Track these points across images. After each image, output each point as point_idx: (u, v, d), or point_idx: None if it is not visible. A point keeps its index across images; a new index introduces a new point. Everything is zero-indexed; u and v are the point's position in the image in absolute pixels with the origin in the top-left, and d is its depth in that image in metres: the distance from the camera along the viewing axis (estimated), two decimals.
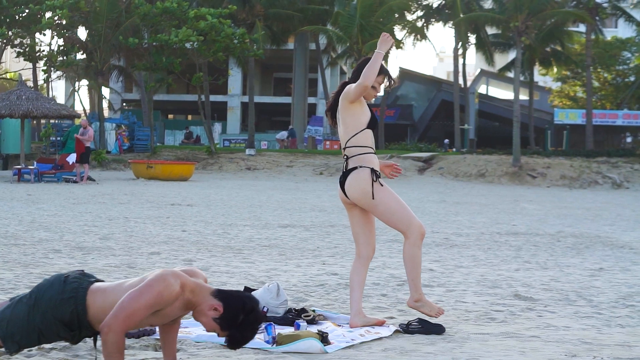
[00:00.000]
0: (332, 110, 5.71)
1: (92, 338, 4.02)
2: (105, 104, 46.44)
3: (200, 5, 37.58)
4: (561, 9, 39.89)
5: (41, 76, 43.76)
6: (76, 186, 22.56)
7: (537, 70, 48.58)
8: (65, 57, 35.99)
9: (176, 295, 3.74)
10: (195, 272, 3.94)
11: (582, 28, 46.32)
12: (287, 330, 5.08)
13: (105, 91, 46.38)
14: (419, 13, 47.71)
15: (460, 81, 46.81)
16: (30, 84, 43.10)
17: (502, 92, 56.93)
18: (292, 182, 29.54)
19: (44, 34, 40.92)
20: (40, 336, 3.87)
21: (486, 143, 49.56)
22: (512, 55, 44.54)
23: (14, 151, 32.45)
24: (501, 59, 49.60)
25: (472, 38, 46.22)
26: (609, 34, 50.16)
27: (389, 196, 5.50)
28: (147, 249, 9.33)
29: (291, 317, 5.47)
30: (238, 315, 3.78)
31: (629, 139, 50.75)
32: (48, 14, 34.74)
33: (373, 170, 5.49)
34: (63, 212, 14.05)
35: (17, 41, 40.00)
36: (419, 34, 46.86)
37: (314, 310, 5.71)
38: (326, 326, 5.33)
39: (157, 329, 4.35)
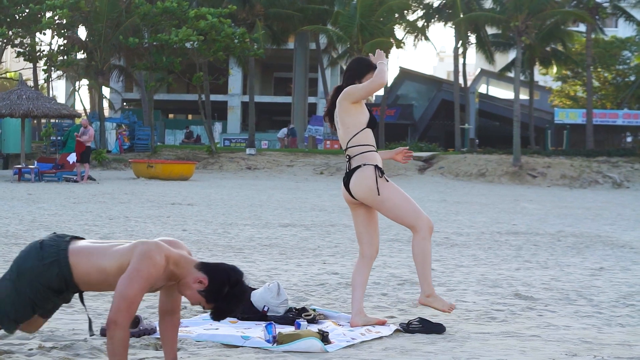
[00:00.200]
0: (330, 114, 5.73)
1: (83, 305, 4.03)
2: (105, 104, 46.46)
3: (200, 4, 37.59)
4: (561, 8, 39.89)
5: (41, 76, 43.73)
6: (77, 185, 22.56)
7: (537, 69, 48.53)
8: (65, 57, 36.00)
9: (163, 269, 3.76)
10: (178, 243, 3.93)
11: (582, 28, 46.32)
12: (288, 329, 5.07)
13: (106, 91, 46.37)
14: (419, 13, 47.72)
15: (461, 81, 46.76)
16: (30, 83, 43.10)
17: (502, 92, 56.83)
18: (292, 182, 29.54)
19: (44, 34, 40.96)
20: (34, 306, 3.85)
21: (486, 142, 49.52)
22: (512, 55, 44.52)
23: (15, 150, 32.48)
24: (501, 59, 49.57)
25: (472, 38, 46.18)
26: (609, 33, 50.13)
27: (394, 192, 5.51)
28: None
29: (292, 316, 5.47)
30: (223, 288, 3.78)
31: (629, 139, 50.67)
32: (48, 14, 34.80)
33: (377, 167, 5.49)
34: (63, 212, 14.06)
35: (17, 41, 40.01)
36: (420, 33, 46.84)
37: (314, 310, 5.71)
38: (327, 325, 5.32)
39: (158, 328, 4.34)
